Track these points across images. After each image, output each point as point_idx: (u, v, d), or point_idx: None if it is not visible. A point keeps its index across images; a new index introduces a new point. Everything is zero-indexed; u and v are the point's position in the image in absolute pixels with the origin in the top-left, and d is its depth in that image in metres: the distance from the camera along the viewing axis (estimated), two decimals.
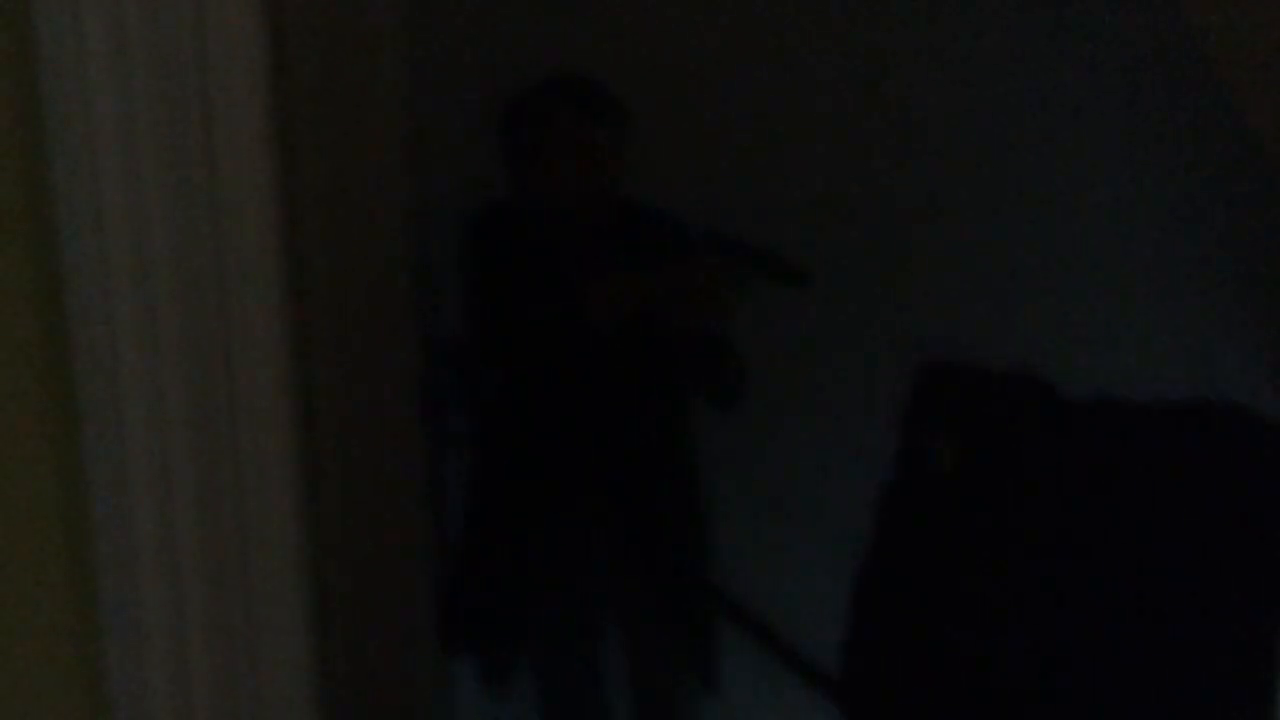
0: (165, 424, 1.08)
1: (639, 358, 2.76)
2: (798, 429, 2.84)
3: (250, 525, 1.18)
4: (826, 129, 2.83)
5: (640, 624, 2.93)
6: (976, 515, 2.62)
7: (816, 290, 2.89)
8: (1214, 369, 2.63)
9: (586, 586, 2.91)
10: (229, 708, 1.22)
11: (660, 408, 2.82)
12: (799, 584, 2.80)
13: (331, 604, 2.29)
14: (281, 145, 1.25)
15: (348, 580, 2.31)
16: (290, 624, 1.24)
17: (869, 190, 2.84)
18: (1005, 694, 2.56)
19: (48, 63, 0.97)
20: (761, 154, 2.84)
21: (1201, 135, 2.66)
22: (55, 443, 1.06)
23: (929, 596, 2.66)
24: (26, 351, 1.02)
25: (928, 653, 2.65)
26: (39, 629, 1.12)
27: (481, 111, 2.73)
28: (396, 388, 2.42)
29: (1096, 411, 2.74)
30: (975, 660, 2.57)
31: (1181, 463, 2.52)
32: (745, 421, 2.76)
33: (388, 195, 2.36)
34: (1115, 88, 2.69)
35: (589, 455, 2.78)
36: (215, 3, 1.10)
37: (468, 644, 2.88)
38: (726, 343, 2.77)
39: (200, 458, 1.11)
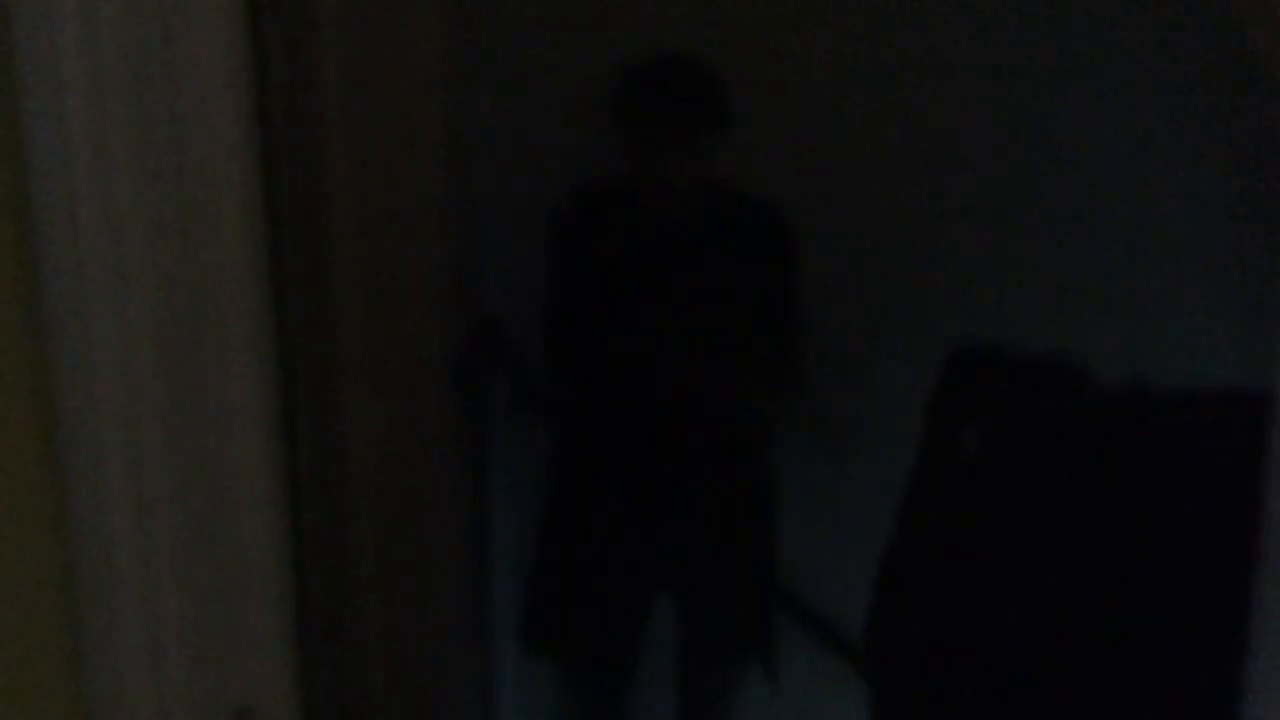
0: (140, 427, 1.16)
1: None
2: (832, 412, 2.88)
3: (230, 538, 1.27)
4: (866, 121, 2.85)
5: (702, 619, 2.96)
6: (1001, 499, 2.65)
7: (853, 274, 2.94)
8: (1248, 358, 2.63)
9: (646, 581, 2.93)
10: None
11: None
12: (834, 565, 2.84)
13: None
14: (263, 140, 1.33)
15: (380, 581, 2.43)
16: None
17: (905, 178, 2.85)
18: (1021, 675, 2.60)
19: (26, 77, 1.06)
20: (797, 143, 2.87)
21: (1244, 120, 2.65)
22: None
23: (951, 578, 2.70)
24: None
25: (947, 631, 2.70)
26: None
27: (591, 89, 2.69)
28: (432, 371, 2.50)
29: (1128, 399, 2.75)
30: (993, 641, 2.61)
31: (1214, 452, 2.52)
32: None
33: (428, 182, 2.44)
34: (1152, 77, 2.68)
35: (657, 454, 2.79)
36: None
37: (547, 646, 2.93)
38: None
39: (178, 462, 1.20)
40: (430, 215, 2.44)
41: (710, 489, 2.82)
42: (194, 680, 1.24)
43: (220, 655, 1.28)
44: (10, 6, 1.07)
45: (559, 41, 2.93)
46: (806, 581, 2.97)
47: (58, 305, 1.11)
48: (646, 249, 2.75)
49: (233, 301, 1.25)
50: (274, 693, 1.33)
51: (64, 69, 1.08)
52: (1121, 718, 2.52)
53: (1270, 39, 1.84)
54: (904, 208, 2.91)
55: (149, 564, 1.20)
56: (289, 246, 2.04)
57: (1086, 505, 2.58)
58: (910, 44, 2.83)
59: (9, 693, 1.20)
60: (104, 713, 1.22)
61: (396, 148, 2.34)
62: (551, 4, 2.95)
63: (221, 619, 1.27)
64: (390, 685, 2.47)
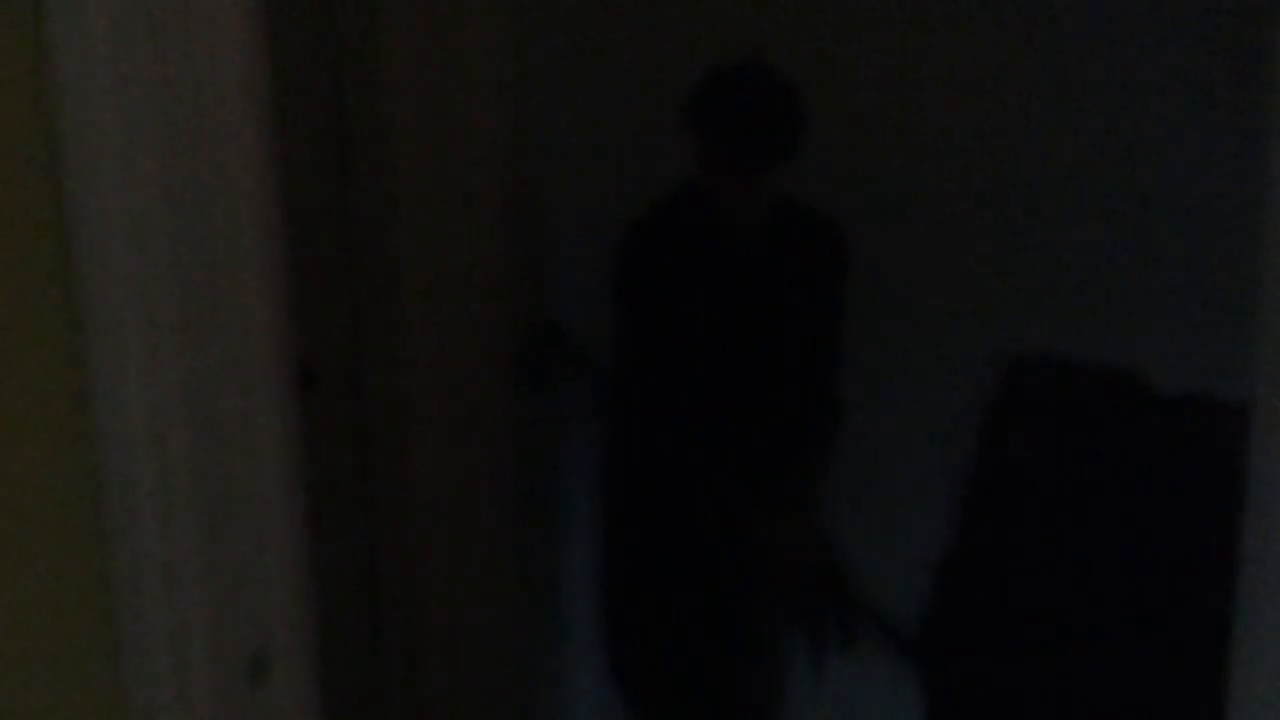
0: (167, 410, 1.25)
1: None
2: (889, 417, 2.88)
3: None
4: (923, 125, 2.85)
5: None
6: (1054, 502, 2.65)
7: (911, 281, 2.95)
8: None
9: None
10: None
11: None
12: (885, 560, 2.85)
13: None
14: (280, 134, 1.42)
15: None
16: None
17: (963, 184, 2.86)
18: (1076, 672, 2.59)
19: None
20: (857, 148, 2.86)
21: None
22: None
23: (1005, 578, 2.71)
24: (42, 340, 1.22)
25: (1001, 629, 2.70)
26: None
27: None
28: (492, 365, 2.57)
29: (1186, 407, 2.74)
30: (1048, 637, 2.61)
31: None
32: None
33: (491, 177, 2.51)
34: (1213, 81, 2.67)
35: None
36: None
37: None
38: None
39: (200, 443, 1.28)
40: (492, 211, 2.51)
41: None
42: (211, 621, 1.32)
43: (238, 598, 1.36)
44: None
45: (627, 44, 2.91)
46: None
47: (86, 254, 1.20)
48: (720, 267, 2.64)
49: (250, 265, 1.34)
50: (290, 636, 1.41)
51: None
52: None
53: None
54: (966, 215, 2.91)
55: (171, 511, 1.29)
56: (359, 233, 2.14)
57: (1142, 510, 2.58)
58: (975, 57, 2.83)
59: (49, 631, 1.29)
60: (129, 644, 1.30)
61: (461, 142, 2.43)
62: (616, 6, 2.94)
63: (239, 563, 1.36)
64: (452, 676, 2.54)
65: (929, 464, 2.86)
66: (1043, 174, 2.84)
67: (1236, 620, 1.39)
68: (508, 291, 2.59)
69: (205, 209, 1.29)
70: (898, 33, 2.89)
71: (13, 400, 1.24)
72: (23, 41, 1.19)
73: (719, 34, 2.85)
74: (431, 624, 2.54)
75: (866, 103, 2.89)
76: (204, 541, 1.30)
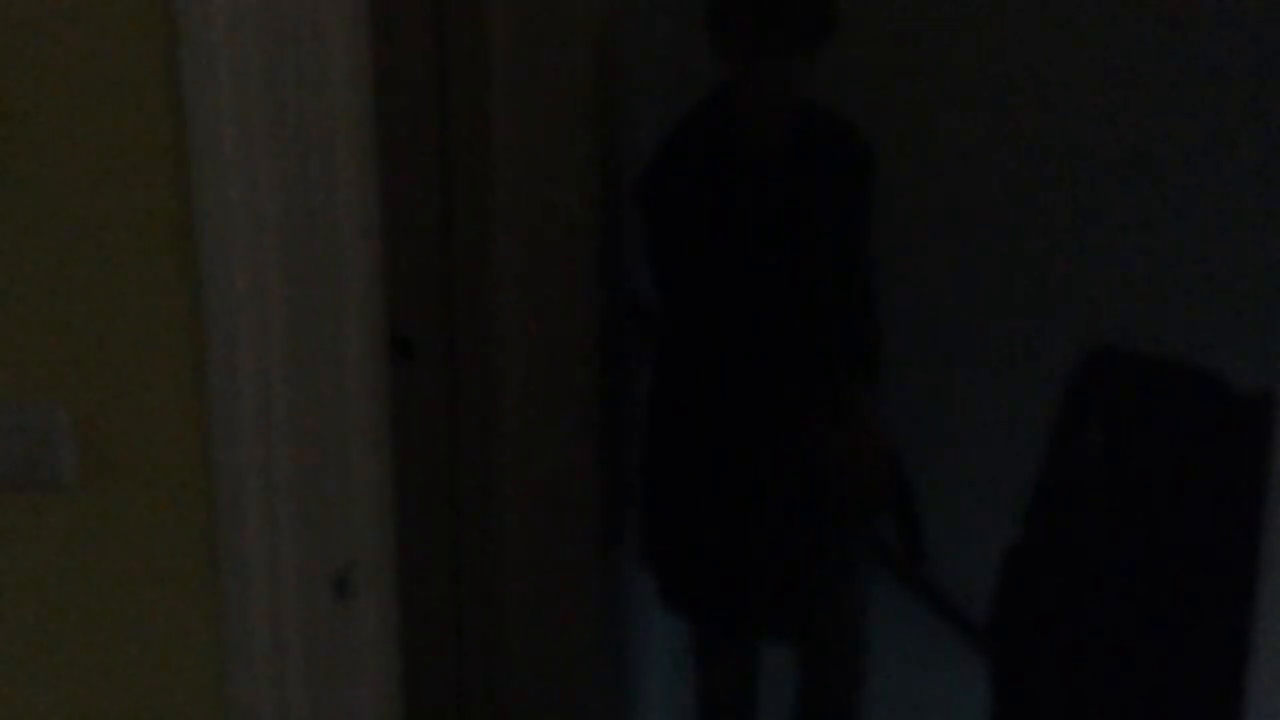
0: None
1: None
2: (963, 405, 2.93)
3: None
4: (999, 120, 2.87)
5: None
6: (1127, 498, 2.68)
7: (989, 274, 2.99)
8: None
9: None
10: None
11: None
12: (954, 548, 2.89)
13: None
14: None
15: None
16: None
17: (1045, 178, 2.89)
18: (1144, 668, 2.61)
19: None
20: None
21: None
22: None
23: (1074, 571, 2.74)
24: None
25: (1068, 622, 2.73)
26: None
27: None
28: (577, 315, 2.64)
29: (1263, 406, 2.74)
30: (1112, 638, 2.64)
31: None
32: (914, 396, 2.87)
33: (579, 163, 2.60)
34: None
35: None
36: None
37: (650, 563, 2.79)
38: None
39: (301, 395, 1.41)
40: (581, 190, 2.58)
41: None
42: (302, 542, 1.44)
43: (326, 524, 1.48)
44: None
45: None
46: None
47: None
48: (748, 174, 2.57)
49: (348, 213, 1.46)
50: (373, 561, 1.52)
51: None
52: None
53: None
54: (1050, 211, 2.94)
55: (270, 447, 1.41)
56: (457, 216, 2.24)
57: (1215, 508, 2.59)
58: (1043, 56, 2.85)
59: (157, 552, 1.42)
60: (228, 561, 1.43)
61: (556, 122, 2.50)
62: None
63: (328, 494, 1.47)
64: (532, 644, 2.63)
65: (1001, 452, 2.90)
66: (1123, 165, 2.86)
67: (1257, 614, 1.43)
68: (594, 268, 2.67)
69: (311, 197, 1.41)
70: None
71: (133, 343, 1.38)
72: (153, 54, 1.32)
73: None
74: (511, 587, 2.64)
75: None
76: (298, 472, 1.42)
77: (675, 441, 2.70)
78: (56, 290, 1.38)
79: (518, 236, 2.50)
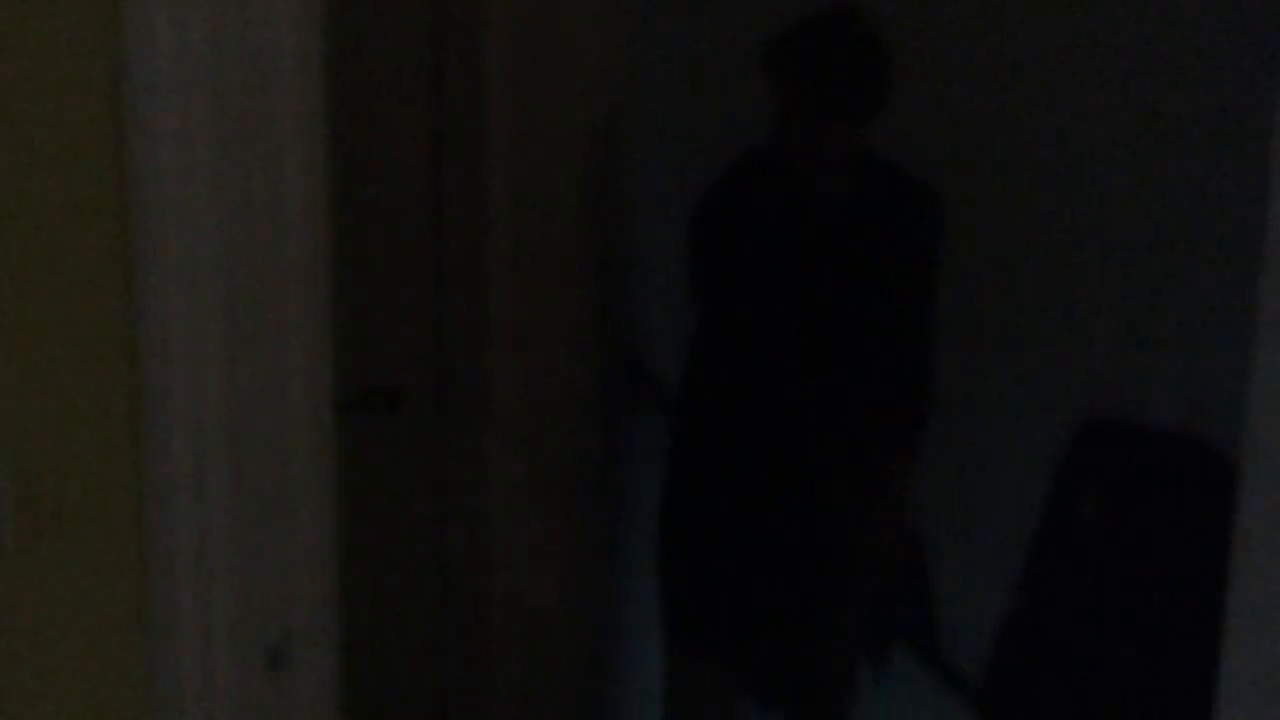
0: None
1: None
2: (957, 468, 2.88)
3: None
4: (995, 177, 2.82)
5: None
6: (1121, 567, 2.63)
7: (986, 337, 2.94)
8: None
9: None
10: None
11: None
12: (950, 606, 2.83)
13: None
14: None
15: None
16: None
17: (1037, 239, 2.83)
18: None
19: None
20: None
21: None
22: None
23: (1069, 640, 2.69)
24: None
25: (1062, 688, 2.68)
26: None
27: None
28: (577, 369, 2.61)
29: None
30: (1105, 701, 2.58)
31: None
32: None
33: (579, 220, 2.59)
34: None
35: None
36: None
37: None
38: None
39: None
40: (582, 242, 2.56)
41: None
42: (235, 607, 1.43)
43: (261, 593, 1.46)
44: None
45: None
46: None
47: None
48: (803, 230, 2.49)
49: (297, 261, 1.44)
50: (310, 633, 1.51)
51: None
52: None
53: None
54: (1041, 272, 2.89)
55: (206, 511, 1.39)
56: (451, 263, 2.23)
57: (1210, 579, 2.53)
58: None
59: (87, 618, 1.41)
60: (159, 630, 1.41)
61: (556, 172, 2.49)
62: None
63: (265, 560, 1.46)
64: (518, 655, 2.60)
65: (996, 518, 2.86)
66: (1129, 236, 2.81)
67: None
68: (592, 324, 2.65)
69: (255, 261, 1.40)
70: None
71: (71, 406, 1.37)
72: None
73: None
74: (502, 638, 2.61)
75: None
76: (233, 541, 1.41)
77: (698, 495, 2.61)
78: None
79: (511, 289, 2.49)
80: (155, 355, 1.34)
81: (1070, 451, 2.74)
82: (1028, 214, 2.82)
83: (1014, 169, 2.80)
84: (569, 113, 2.44)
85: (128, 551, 1.40)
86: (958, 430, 2.84)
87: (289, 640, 1.47)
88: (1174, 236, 2.75)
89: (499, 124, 2.40)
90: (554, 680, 2.66)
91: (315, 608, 1.49)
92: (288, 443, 1.44)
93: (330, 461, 1.49)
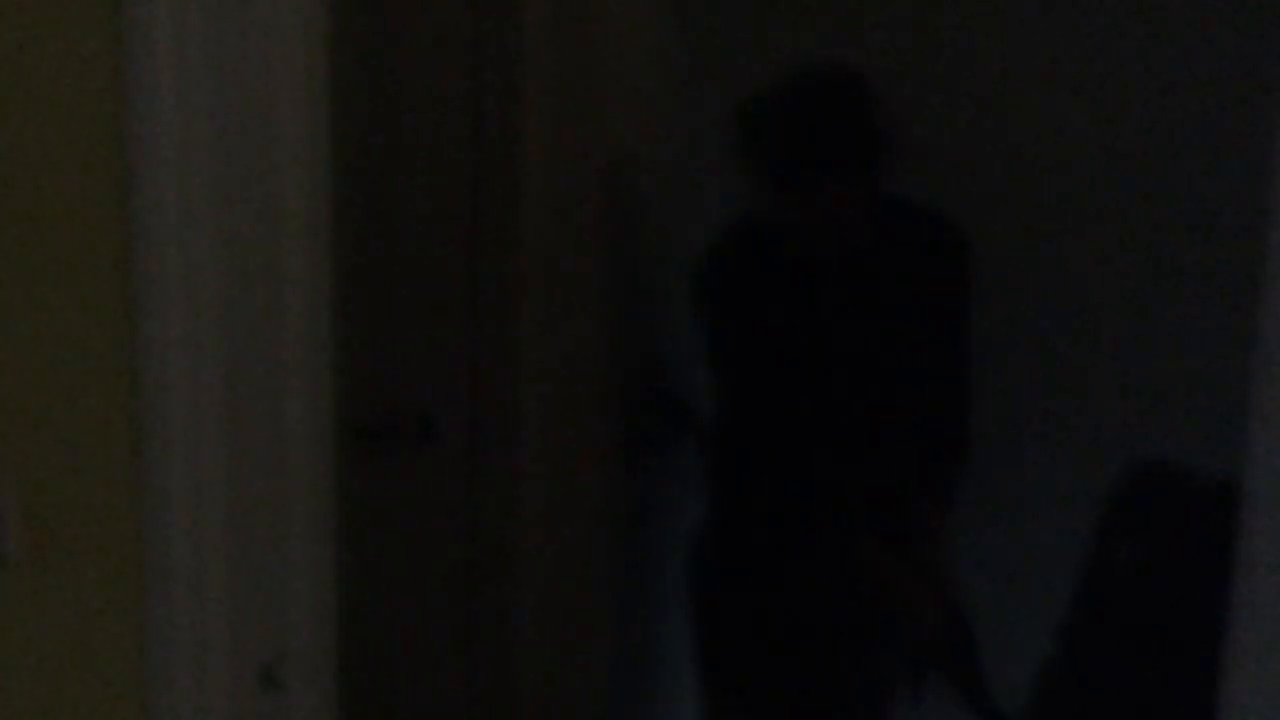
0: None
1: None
2: (998, 517, 2.83)
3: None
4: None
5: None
6: (1163, 612, 2.56)
7: (1026, 382, 2.90)
8: None
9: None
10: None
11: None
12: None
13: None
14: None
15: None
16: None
17: (1083, 283, 2.79)
18: None
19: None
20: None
21: None
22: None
23: (1109, 684, 2.63)
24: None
25: None
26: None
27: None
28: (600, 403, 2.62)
29: None
30: None
31: None
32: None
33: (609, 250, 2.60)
34: None
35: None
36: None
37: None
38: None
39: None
40: (614, 272, 2.59)
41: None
42: (229, 626, 1.43)
43: (255, 614, 1.47)
44: None
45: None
46: None
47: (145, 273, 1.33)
48: (812, 287, 2.40)
49: (295, 271, 1.46)
50: (304, 654, 1.51)
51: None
52: None
53: None
54: (1086, 319, 2.85)
55: (200, 522, 1.41)
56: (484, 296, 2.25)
57: None
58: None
59: (85, 639, 1.42)
60: (155, 650, 1.42)
61: (587, 206, 2.51)
62: None
63: (260, 581, 1.47)
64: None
65: (1038, 561, 2.81)
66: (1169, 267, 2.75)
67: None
68: (622, 354, 2.66)
69: (256, 286, 1.41)
70: None
71: (74, 429, 1.39)
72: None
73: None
74: (527, 668, 2.61)
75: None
76: (229, 559, 1.42)
77: (729, 547, 2.57)
78: (6, 382, 1.40)
79: (541, 318, 2.50)
80: (154, 381, 1.35)
81: (1114, 498, 2.68)
82: (1072, 256, 2.79)
83: (1055, 208, 2.77)
84: (598, 149, 2.45)
85: (127, 567, 1.41)
86: (1001, 474, 2.80)
87: (284, 660, 1.47)
88: (1224, 283, 2.70)
89: (533, 160, 2.42)
90: (580, 703, 2.66)
91: (311, 629, 1.49)
92: (286, 466, 1.45)
93: (329, 484, 1.49)
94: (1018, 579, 2.86)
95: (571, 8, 2.41)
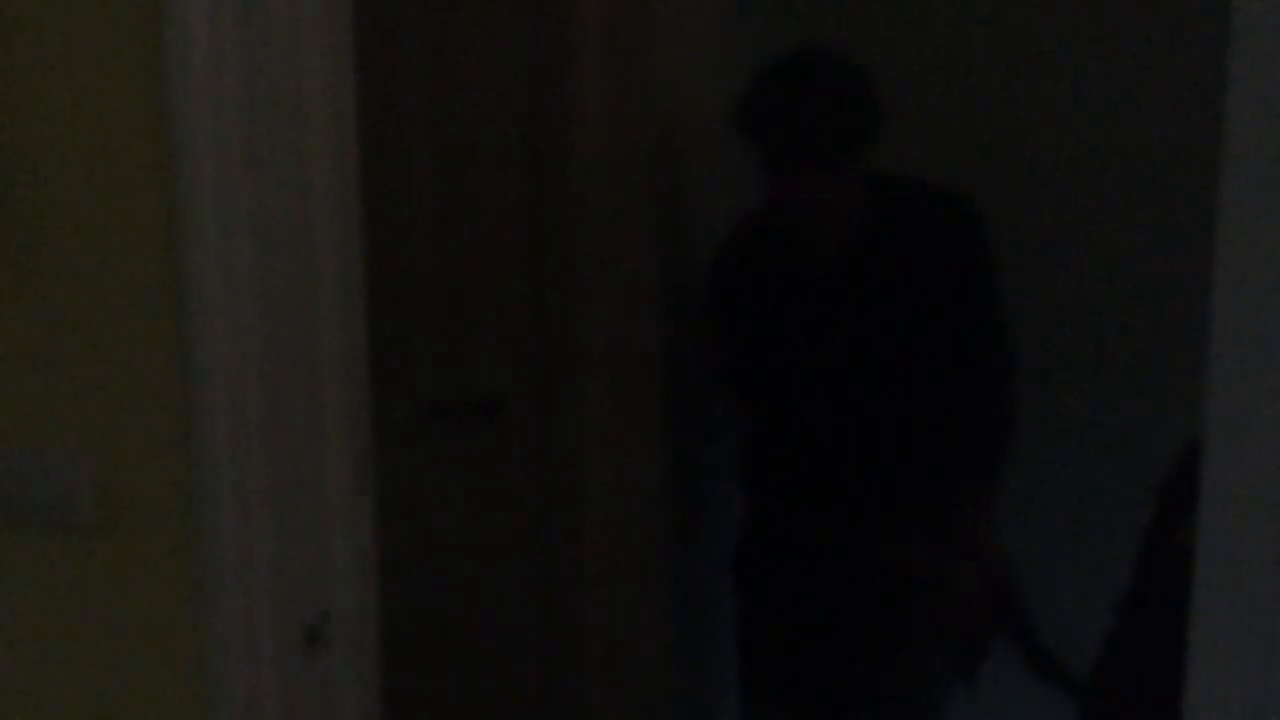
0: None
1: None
2: (1063, 483, 2.83)
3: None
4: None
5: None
6: None
7: (1090, 359, 2.90)
8: None
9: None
10: None
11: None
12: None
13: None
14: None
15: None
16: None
17: (1138, 254, 2.77)
18: None
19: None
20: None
21: None
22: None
23: (1165, 665, 2.61)
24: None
25: (1163, 700, 2.58)
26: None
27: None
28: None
29: None
30: None
31: None
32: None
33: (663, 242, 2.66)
34: None
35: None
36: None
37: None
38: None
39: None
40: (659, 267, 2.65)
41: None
42: (278, 584, 1.55)
43: (301, 570, 1.59)
44: None
45: None
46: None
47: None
48: (820, 276, 2.38)
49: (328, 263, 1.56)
50: (353, 601, 1.62)
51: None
52: None
53: None
54: (1146, 295, 2.84)
55: (248, 506, 1.52)
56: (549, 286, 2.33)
57: None
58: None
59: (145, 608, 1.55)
60: (208, 601, 1.55)
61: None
62: None
63: (304, 545, 1.58)
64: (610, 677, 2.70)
65: (1099, 536, 2.81)
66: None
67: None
68: (676, 340, 2.72)
69: (291, 277, 1.53)
70: None
71: (136, 417, 1.52)
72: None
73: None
74: (591, 624, 2.71)
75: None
76: (273, 525, 1.54)
77: (767, 544, 2.58)
78: (79, 366, 1.54)
79: (602, 307, 2.59)
80: (202, 369, 1.47)
81: (1172, 475, 2.67)
82: (1127, 228, 2.78)
83: (1103, 178, 2.76)
84: (650, 148, 2.54)
85: (182, 535, 1.54)
86: (1062, 447, 2.81)
87: (328, 620, 1.59)
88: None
89: (593, 156, 2.51)
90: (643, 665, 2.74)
91: (353, 590, 1.61)
92: (326, 438, 1.56)
93: (367, 455, 1.60)
94: (1081, 553, 2.87)
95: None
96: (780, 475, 2.50)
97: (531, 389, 2.59)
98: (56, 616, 1.60)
